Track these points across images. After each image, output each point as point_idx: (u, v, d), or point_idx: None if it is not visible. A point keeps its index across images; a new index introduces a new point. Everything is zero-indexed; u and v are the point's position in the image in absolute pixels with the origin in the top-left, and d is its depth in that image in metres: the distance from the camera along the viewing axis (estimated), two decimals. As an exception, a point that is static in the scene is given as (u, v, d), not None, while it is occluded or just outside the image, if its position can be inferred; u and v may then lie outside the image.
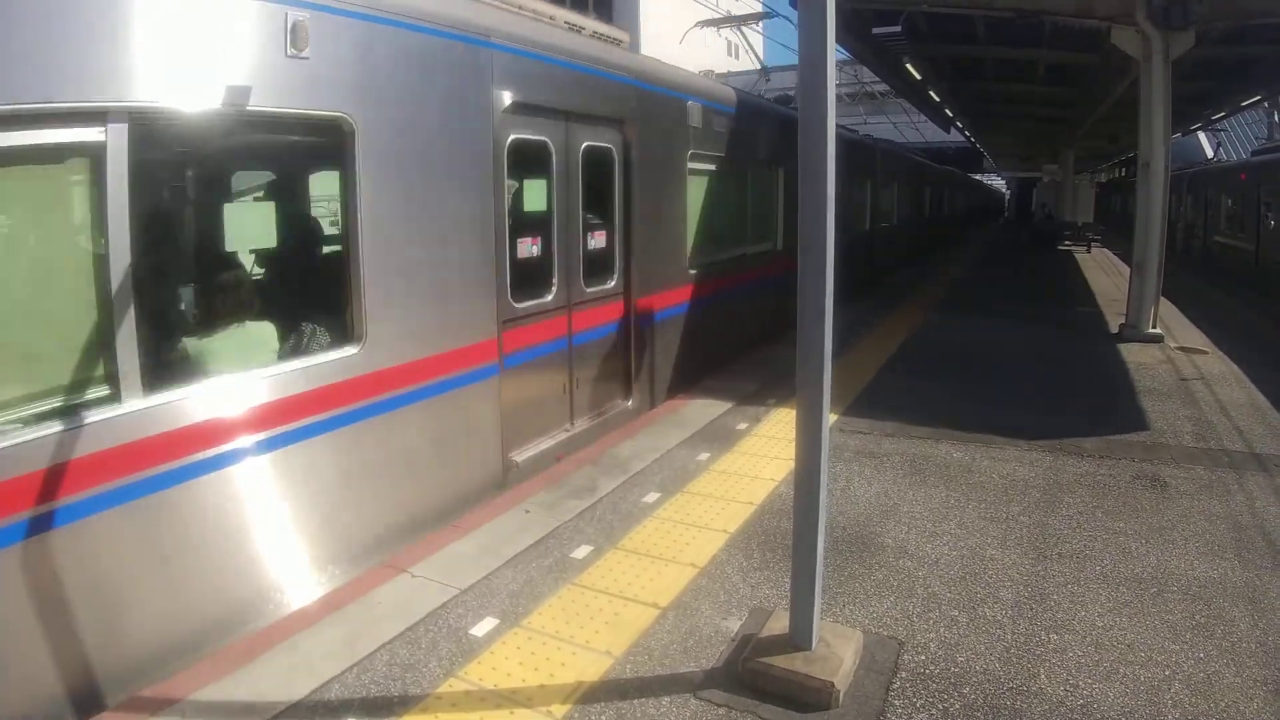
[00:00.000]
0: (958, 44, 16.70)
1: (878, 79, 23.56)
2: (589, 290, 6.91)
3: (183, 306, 4.92)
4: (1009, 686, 3.41)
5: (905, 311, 13.70)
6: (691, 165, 8.57)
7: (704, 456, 6.23)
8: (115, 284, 3.58)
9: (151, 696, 3.33)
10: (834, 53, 3.03)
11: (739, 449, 6.42)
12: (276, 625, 3.91)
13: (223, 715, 3.24)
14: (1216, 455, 6.32)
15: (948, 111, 28.60)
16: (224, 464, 4.01)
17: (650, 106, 7.61)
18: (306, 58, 4.22)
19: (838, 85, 3.28)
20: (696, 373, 8.65)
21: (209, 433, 3.95)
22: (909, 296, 15.68)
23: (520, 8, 6.22)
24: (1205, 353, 10.21)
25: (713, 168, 9.22)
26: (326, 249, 6.26)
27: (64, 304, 3.66)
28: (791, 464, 5.58)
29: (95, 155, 3.50)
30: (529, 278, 6.17)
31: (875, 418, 7.23)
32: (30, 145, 3.33)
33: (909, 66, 18.98)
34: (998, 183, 73.59)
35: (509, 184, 5.85)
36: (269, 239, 6.62)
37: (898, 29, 14.72)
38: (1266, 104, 26.19)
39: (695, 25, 17.82)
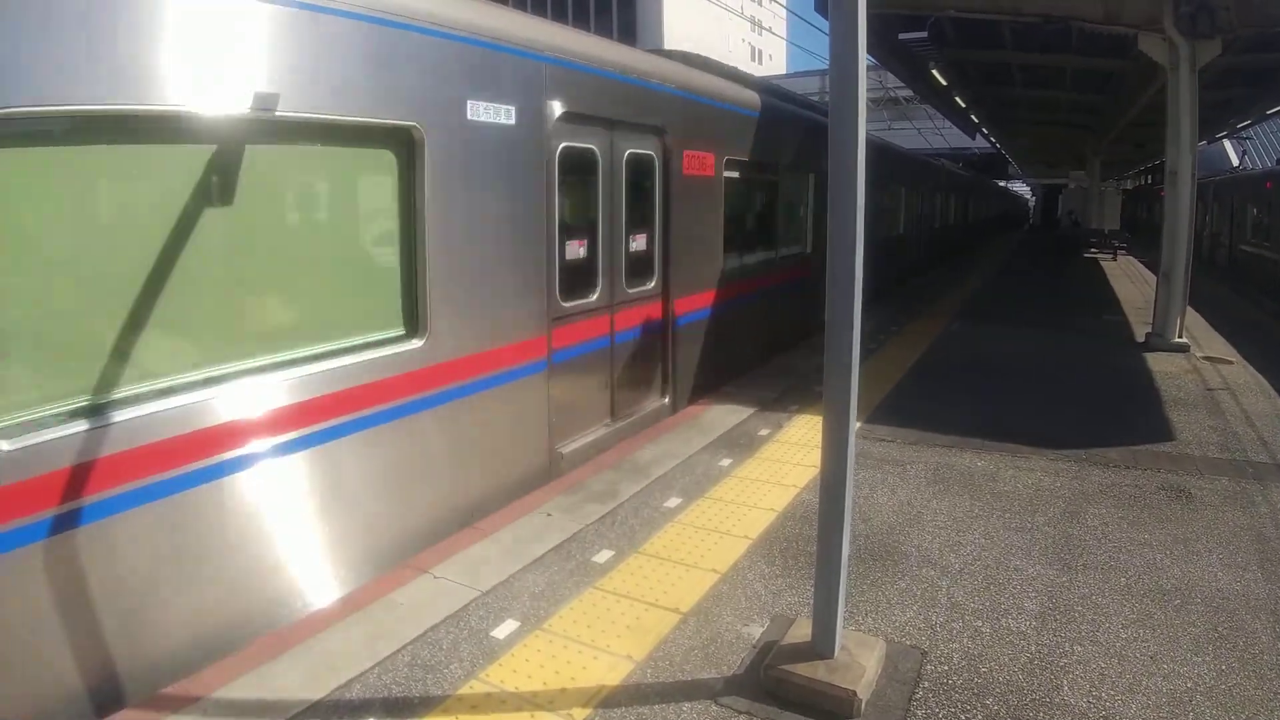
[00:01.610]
0: (984, 49, 16.62)
1: (902, 84, 23.46)
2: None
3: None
4: (1032, 698, 3.39)
5: (928, 319, 13.62)
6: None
7: (726, 462, 6.23)
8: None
9: (174, 694, 3.36)
10: (864, 60, 3.02)
11: (761, 455, 6.41)
12: (297, 624, 3.94)
13: (244, 713, 3.27)
14: (1241, 466, 6.25)
15: (973, 117, 28.39)
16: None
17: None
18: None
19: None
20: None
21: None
22: (933, 304, 15.59)
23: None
24: (1231, 362, 10.09)
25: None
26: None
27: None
28: (814, 471, 5.56)
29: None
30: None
31: (898, 425, 7.20)
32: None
33: (934, 72, 18.88)
34: (1022, 189, 73.06)
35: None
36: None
37: (924, 34, 14.67)
38: (1292, 112, 25.84)
39: None
